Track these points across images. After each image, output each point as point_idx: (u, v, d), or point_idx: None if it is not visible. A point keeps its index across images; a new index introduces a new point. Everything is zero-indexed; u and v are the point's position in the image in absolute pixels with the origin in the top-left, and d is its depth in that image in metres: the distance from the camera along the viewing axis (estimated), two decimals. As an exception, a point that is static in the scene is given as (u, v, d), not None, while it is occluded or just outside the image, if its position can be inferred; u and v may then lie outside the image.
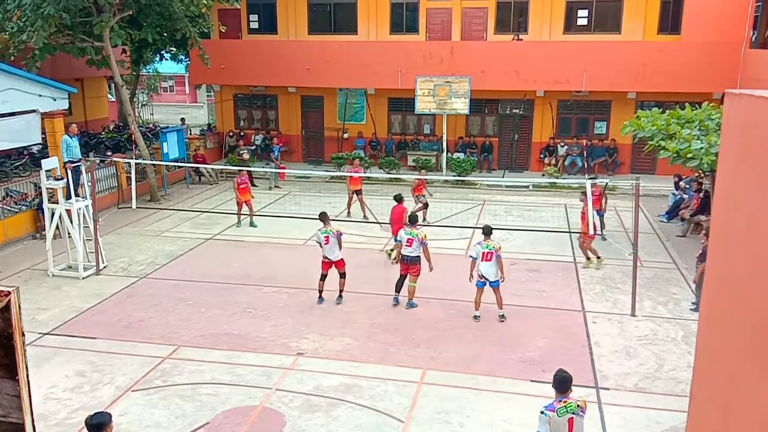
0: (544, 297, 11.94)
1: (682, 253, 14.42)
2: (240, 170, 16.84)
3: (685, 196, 17.09)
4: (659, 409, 8.25)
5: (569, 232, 14.92)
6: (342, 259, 11.38)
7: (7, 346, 2.84)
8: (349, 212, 17.23)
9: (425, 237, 11.14)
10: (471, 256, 10.78)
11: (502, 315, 10.78)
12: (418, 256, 11.15)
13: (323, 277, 11.47)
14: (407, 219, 11.78)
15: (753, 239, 3.53)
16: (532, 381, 8.92)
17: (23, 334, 2.88)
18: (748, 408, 3.54)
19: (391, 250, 13.73)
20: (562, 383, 5.91)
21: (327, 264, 11.36)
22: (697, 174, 16.63)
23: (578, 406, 5.86)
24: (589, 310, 11.39)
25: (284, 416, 8.12)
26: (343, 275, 11.46)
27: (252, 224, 16.43)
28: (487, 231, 10.68)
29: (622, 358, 9.62)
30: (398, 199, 13.47)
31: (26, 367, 2.93)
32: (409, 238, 11.16)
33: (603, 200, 14.71)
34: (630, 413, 8.19)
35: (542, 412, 5.82)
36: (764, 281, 3.37)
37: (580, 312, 11.30)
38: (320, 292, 11.54)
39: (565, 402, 5.82)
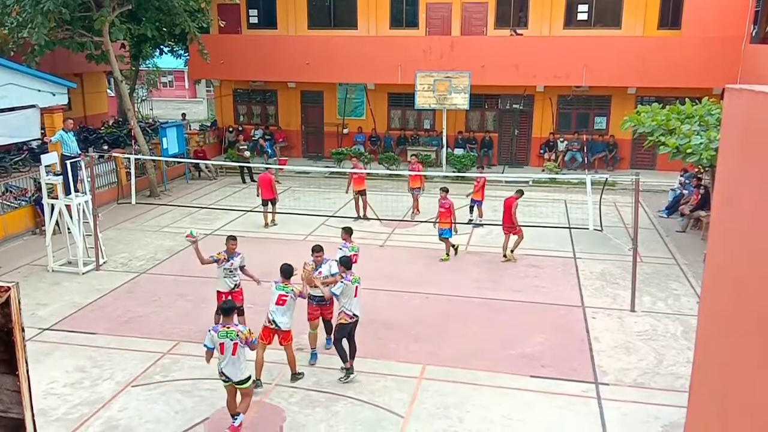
0: (543, 292, 11.94)
1: (681, 248, 14.43)
2: (264, 173, 16.63)
3: (685, 191, 17.09)
4: (659, 404, 8.27)
5: (569, 228, 14.91)
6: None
7: (6, 341, 2.84)
8: (364, 215, 16.24)
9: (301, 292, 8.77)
10: None
11: None
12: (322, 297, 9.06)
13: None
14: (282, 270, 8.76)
15: (753, 235, 3.52)
16: (531, 376, 8.95)
17: (23, 330, 2.88)
18: (748, 404, 3.54)
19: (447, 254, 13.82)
20: (227, 311, 7.56)
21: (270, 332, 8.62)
22: (696, 169, 16.63)
23: (240, 330, 7.41)
24: (589, 305, 11.40)
25: (284, 411, 8.14)
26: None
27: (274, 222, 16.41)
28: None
29: (622, 353, 9.63)
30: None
31: (26, 363, 2.93)
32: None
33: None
34: (629, 408, 8.20)
35: (209, 331, 7.43)
36: (764, 277, 3.37)
37: (580, 307, 11.32)
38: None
39: (227, 328, 7.40)
